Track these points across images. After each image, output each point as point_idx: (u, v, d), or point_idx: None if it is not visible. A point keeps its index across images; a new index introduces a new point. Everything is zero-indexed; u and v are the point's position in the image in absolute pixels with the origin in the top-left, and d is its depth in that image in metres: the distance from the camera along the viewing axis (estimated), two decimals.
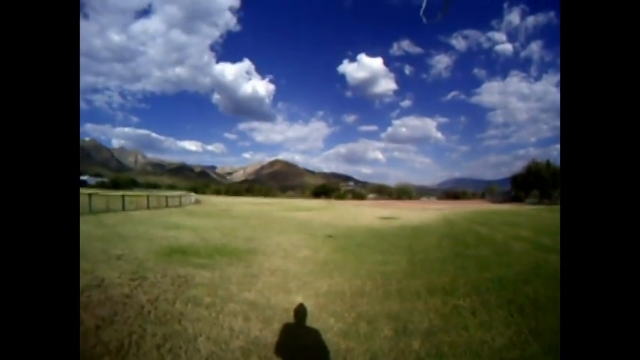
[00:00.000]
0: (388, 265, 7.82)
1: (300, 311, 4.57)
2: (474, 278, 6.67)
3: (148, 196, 24.32)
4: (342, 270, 7.27)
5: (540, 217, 23.83)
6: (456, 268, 7.51)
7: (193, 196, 35.33)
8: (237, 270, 6.75)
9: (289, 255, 8.75)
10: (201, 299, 4.85)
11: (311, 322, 4.31)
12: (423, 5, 3.59)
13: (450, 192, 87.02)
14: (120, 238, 9.90)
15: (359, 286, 6.01)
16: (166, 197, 27.11)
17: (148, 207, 23.08)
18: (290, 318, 4.36)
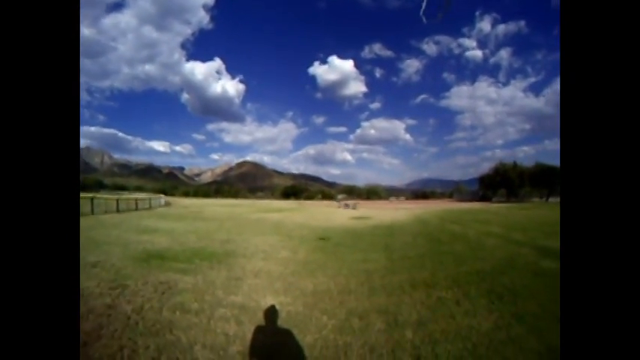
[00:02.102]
0: (369, 263, 7.99)
1: (272, 311, 4.62)
2: (453, 272, 6.97)
3: (117, 199, 23.51)
4: (325, 269, 7.36)
5: (509, 214, 24.74)
6: (434, 264, 7.78)
7: (163, 199, 34.42)
8: (220, 273, 6.68)
9: (269, 256, 8.73)
10: (188, 306, 4.76)
11: (304, 321, 4.36)
12: (423, 5, 3.68)
13: (419, 192, 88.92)
14: (93, 243, 9.50)
15: (344, 284, 6.13)
16: (136, 200, 26.31)
17: (118, 210, 22.28)
18: (281, 319, 4.40)
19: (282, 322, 4.30)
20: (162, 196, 36.06)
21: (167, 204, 33.34)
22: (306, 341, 3.79)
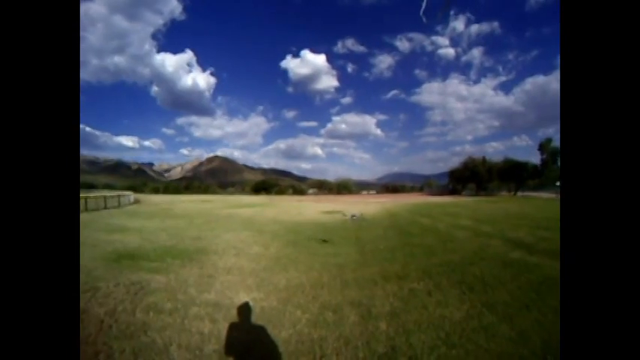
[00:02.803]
0: (340, 257, 8.07)
1: (246, 308, 4.60)
2: (424, 264, 7.15)
3: (86, 198, 22.65)
4: (296, 264, 7.39)
5: (478, 207, 25.45)
6: (405, 256, 7.96)
7: (132, 196, 33.44)
8: (192, 271, 6.59)
9: (241, 252, 8.67)
10: (162, 306, 4.67)
11: (278, 316, 4.36)
12: (423, 5, 3.68)
13: (390, 186, 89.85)
14: None
15: (316, 278, 6.17)
16: (105, 198, 25.43)
17: (87, 209, 21.47)
18: (256, 315, 4.39)
19: (256, 318, 4.29)
20: (131, 193, 35.01)
21: (137, 201, 32.51)
22: (281, 336, 3.80)
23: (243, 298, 5.06)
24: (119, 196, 28.76)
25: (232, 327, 3.97)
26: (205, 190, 72.86)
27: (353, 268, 6.89)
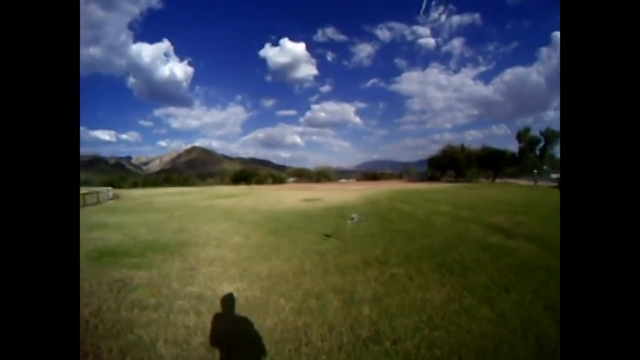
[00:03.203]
0: (321, 244, 8.18)
1: (229, 299, 4.59)
2: (404, 249, 7.31)
3: None
4: (278, 252, 7.46)
5: (457, 193, 25.90)
6: (385, 242, 8.11)
7: (111, 192, 32.62)
8: (174, 265, 6.56)
9: (222, 243, 8.68)
10: (146, 302, 4.64)
11: (262, 305, 4.42)
12: (423, 6, 3.65)
13: (369, 173, 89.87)
14: None
15: (298, 266, 6.26)
16: (83, 195, 24.82)
17: None
18: (240, 306, 4.41)
19: (240, 308, 4.32)
20: (109, 189, 34.11)
21: (116, 197, 31.73)
22: (266, 325, 3.85)
23: (226, 288, 5.08)
24: (98, 192, 28.04)
25: (217, 318, 3.98)
26: (185, 182, 71.61)
27: (334, 255, 7.00)
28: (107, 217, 15.30)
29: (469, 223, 10.77)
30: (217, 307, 4.34)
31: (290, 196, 27.97)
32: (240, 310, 4.26)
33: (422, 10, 3.81)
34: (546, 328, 3.56)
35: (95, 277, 5.81)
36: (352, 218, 6.96)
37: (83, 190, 30.80)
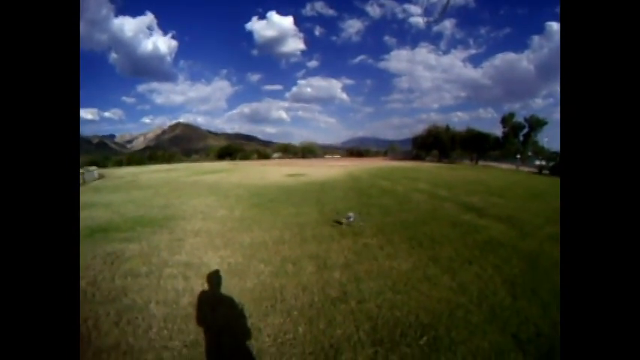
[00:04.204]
0: (301, 217, 8.65)
1: (214, 264, 5.11)
2: (379, 222, 7.82)
3: None
4: (260, 224, 7.91)
5: (438, 173, 26.26)
6: (362, 215, 8.54)
7: (96, 172, 32.28)
8: (163, 237, 6.93)
9: (207, 216, 9.06)
10: (138, 270, 5.01)
11: (242, 270, 4.89)
12: (423, 5, 3.75)
13: (354, 150, 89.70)
14: None
15: (278, 236, 6.74)
16: None
17: None
18: (223, 270, 4.85)
19: (224, 272, 4.76)
20: (95, 169, 33.52)
21: (101, 176, 31.47)
22: (247, 286, 4.32)
23: (211, 256, 5.53)
24: (83, 173, 27.83)
25: (203, 282, 4.45)
26: (169, 159, 70.66)
27: (313, 226, 7.49)
28: (94, 197, 15.37)
29: (445, 201, 11.25)
30: (203, 273, 4.76)
31: (274, 172, 28.12)
32: (224, 274, 4.69)
33: (422, 10, 3.96)
34: (502, 299, 3.93)
35: (89, 251, 6.09)
36: (348, 217, 7.31)
37: None
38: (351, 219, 7.56)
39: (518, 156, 45.85)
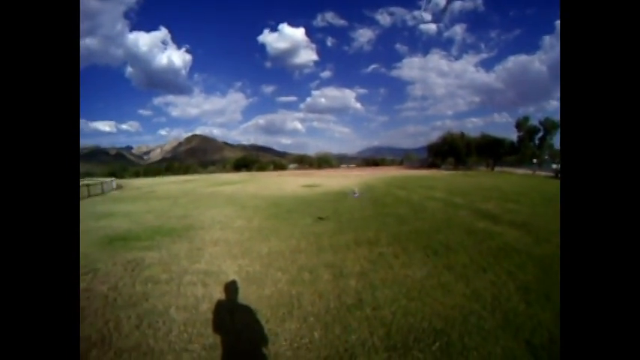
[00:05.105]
0: (318, 226, 8.77)
1: (233, 272, 5.24)
2: (394, 231, 7.84)
3: None
4: (277, 234, 8.03)
5: (454, 181, 26.10)
6: (378, 225, 8.65)
7: (114, 182, 33.02)
8: (182, 246, 7.11)
9: (226, 226, 9.25)
10: (158, 277, 5.18)
11: (260, 278, 4.99)
12: (423, 5, 3.77)
13: (370, 160, 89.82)
14: None
15: (295, 245, 6.84)
16: (88, 186, 25.11)
17: None
18: (242, 278, 4.97)
19: (242, 280, 4.89)
20: (113, 179, 34.32)
21: (119, 187, 32.13)
22: (264, 293, 4.43)
23: (230, 265, 5.66)
24: (102, 183, 28.40)
25: (222, 289, 4.56)
26: (186, 171, 72.05)
27: (329, 236, 7.57)
28: (113, 207, 15.74)
29: (460, 208, 11.19)
30: (222, 280, 4.89)
31: (291, 182, 28.46)
32: (242, 281, 4.82)
33: (422, 10, 3.91)
34: (515, 305, 3.92)
35: (110, 259, 6.36)
36: (354, 193, 7.43)
37: (88, 181, 31.21)
38: (356, 195, 7.60)
39: (535, 160, 45.05)
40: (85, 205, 17.78)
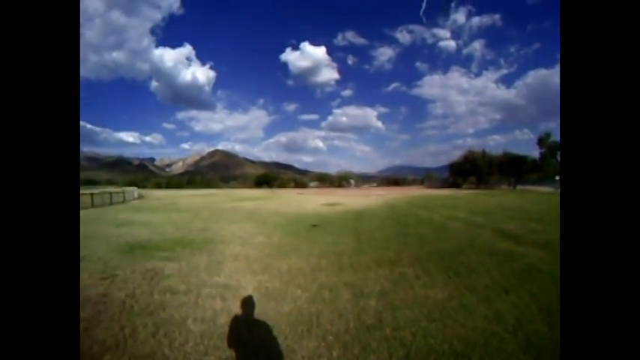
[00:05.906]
0: (338, 245, 8.64)
1: (252, 288, 5.20)
2: (416, 252, 7.67)
3: (92, 194, 22.94)
4: (298, 251, 7.97)
5: (475, 200, 25.83)
6: (399, 245, 8.50)
7: (136, 191, 33.76)
8: (202, 259, 7.14)
9: (246, 242, 9.25)
10: (176, 288, 5.21)
11: (280, 294, 4.93)
12: (423, 6, 3.84)
13: (391, 179, 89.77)
14: None
15: (315, 263, 6.76)
16: (110, 194, 25.74)
17: (93, 205, 21.64)
18: (261, 294, 4.93)
19: (261, 296, 4.85)
20: (135, 188, 35.14)
21: (140, 196, 32.83)
22: (283, 310, 4.37)
23: (249, 280, 5.63)
24: (124, 191, 29.04)
25: (240, 304, 4.54)
26: (207, 185, 73.24)
27: (349, 255, 7.45)
28: (134, 215, 16.05)
29: (482, 228, 11.00)
30: (241, 295, 4.87)
31: (311, 200, 28.59)
32: (261, 297, 4.78)
33: (422, 10, 3.97)
34: (538, 327, 3.79)
35: (129, 266, 6.46)
36: (349, 182, 7.41)
37: (110, 189, 32.05)
38: (352, 184, 7.47)
39: (557, 177, 43.95)
40: (106, 213, 18.23)
